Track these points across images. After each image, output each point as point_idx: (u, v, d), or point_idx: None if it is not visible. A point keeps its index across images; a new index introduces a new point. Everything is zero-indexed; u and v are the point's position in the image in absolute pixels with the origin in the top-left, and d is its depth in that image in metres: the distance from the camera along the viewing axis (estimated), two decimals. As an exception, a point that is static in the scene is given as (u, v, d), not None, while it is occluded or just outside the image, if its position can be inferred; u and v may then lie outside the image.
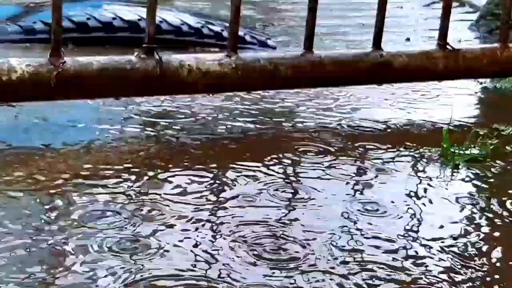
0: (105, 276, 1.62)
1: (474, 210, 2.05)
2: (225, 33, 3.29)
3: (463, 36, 3.91)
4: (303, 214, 1.95)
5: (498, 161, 2.36)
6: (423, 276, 1.71)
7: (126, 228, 1.81)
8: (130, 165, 2.14)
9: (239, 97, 2.72)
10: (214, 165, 2.18)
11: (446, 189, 2.16)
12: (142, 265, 1.67)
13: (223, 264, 1.69)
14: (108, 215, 1.87)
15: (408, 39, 3.87)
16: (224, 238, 1.80)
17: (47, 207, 1.89)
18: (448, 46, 2.77)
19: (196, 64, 2.43)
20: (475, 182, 2.22)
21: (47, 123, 2.40)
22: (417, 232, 1.91)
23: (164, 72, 2.37)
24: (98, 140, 2.30)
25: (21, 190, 1.95)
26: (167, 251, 1.73)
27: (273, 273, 1.67)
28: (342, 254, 1.77)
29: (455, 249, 1.84)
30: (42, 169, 2.07)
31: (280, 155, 2.28)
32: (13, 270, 1.61)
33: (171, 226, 1.84)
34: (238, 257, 1.72)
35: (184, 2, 4.28)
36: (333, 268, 1.71)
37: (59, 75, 2.25)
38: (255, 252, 1.75)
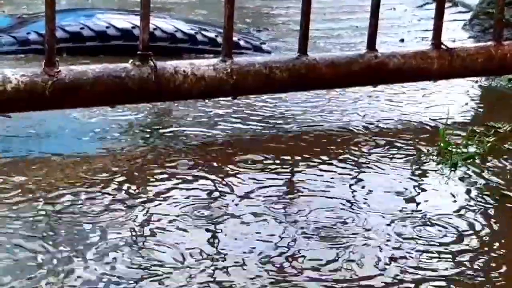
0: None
1: (473, 208, 2.05)
2: (219, 39, 3.29)
3: (457, 36, 3.92)
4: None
5: (495, 159, 2.36)
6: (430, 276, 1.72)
7: (124, 238, 1.82)
8: (127, 173, 2.14)
9: (235, 101, 2.71)
10: (213, 171, 2.18)
11: (445, 187, 2.16)
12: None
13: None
14: (104, 223, 1.87)
15: (402, 40, 3.87)
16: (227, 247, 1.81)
17: (44, 216, 1.89)
18: (442, 46, 2.77)
19: (191, 70, 2.43)
20: (473, 180, 2.22)
21: (43, 132, 2.40)
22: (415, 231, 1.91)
23: (159, 79, 2.37)
24: (95, 149, 2.30)
25: (18, 200, 1.95)
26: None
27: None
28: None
29: (454, 247, 1.84)
30: (39, 179, 2.07)
31: (278, 157, 2.28)
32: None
33: (170, 230, 1.85)
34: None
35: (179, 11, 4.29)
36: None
37: (54, 84, 2.25)
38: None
